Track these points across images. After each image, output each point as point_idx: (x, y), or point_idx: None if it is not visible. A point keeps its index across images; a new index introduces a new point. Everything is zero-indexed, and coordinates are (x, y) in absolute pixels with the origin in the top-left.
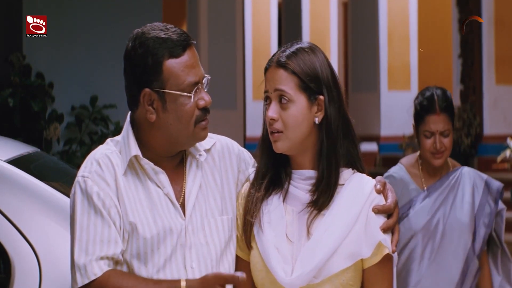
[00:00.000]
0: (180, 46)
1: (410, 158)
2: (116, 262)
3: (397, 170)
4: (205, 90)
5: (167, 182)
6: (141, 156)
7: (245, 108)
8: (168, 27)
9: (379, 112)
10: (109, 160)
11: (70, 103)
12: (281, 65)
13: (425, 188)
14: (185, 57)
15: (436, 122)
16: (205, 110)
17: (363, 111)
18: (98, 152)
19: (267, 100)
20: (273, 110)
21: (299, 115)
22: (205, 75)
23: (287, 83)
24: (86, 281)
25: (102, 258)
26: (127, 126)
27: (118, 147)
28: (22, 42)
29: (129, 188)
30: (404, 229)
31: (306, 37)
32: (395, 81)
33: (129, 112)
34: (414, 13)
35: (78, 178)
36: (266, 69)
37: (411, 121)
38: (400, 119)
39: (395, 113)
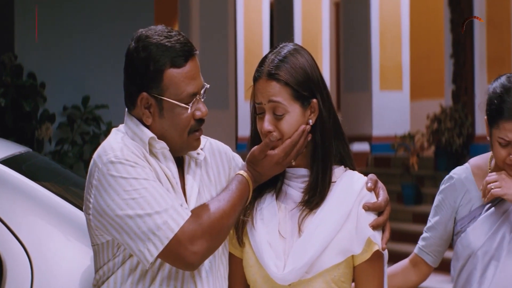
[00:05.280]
0: (183, 56)
1: (481, 158)
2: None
3: (458, 171)
4: (203, 99)
5: (176, 171)
6: (156, 138)
7: (237, 108)
8: (172, 34)
9: (371, 112)
10: (130, 143)
11: (62, 103)
12: (273, 77)
13: None
14: (186, 68)
15: None
16: (200, 120)
17: (355, 111)
18: (118, 137)
19: (260, 110)
20: (268, 122)
21: (294, 122)
22: (204, 83)
23: (280, 95)
24: (182, 222)
25: (181, 205)
26: (130, 118)
27: (127, 138)
28: (13, 42)
29: (154, 166)
30: (461, 247)
31: (298, 37)
32: (387, 81)
33: (126, 110)
34: (406, 13)
35: (111, 159)
36: (256, 79)
37: (401, 124)
38: (392, 119)
39: (387, 113)
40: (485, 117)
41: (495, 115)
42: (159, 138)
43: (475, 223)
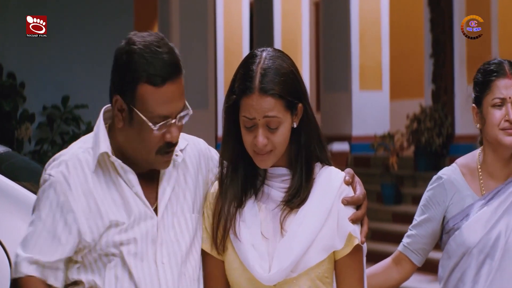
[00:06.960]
0: (161, 77)
1: (468, 157)
2: (48, 267)
3: (446, 171)
4: (182, 123)
5: (136, 181)
6: (110, 153)
7: (216, 108)
8: (160, 50)
9: (351, 112)
10: (78, 160)
11: (41, 103)
12: (267, 92)
13: (484, 193)
14: (163, 89)
15: (509, 87)
16: (170, 144)
17: (334, 111)
18: (70, 152)
19: (251, 124)
20: (263, 137)
21: (286, 131)
22: (187, 109)
23: (275, 109)
24: (22, 276)
25: (36, 262)
26: (99, 122)
27: (91, 143)
28: None
29: (101, 187)
30: (455, 245)
31: (278, 37)
32: (366, 81)
33: (103, 108)
34: (385, 13)
35: (45, 174)
36: (245, 94)
37: (380, 124)
38: (372, 119)
39: (367, 113)
40: (472, 104)
41: (486, 79)
42: (125, 145)
43: (470, 220)
